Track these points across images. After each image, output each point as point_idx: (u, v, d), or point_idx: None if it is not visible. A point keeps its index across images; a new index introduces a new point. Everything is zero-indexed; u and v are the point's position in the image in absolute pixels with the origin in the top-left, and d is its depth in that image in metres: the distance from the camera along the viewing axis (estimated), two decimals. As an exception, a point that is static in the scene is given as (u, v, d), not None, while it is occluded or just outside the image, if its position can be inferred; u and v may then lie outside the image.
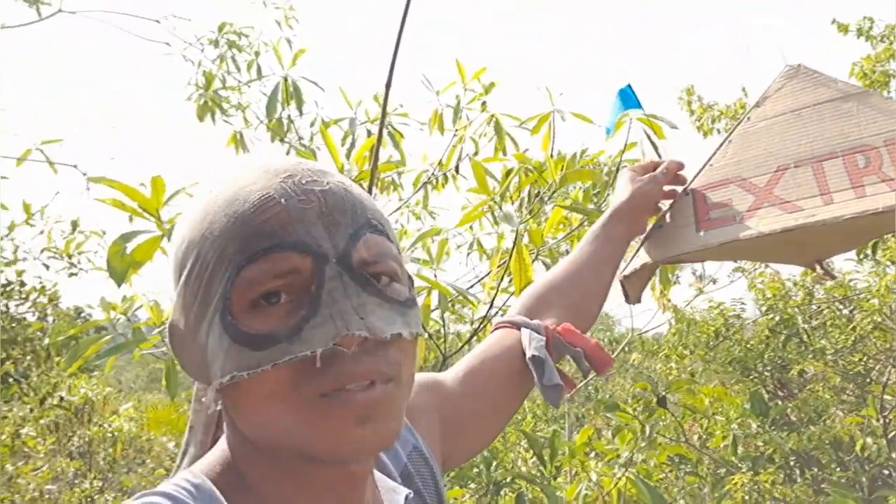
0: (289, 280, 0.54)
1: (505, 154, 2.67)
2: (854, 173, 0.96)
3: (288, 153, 3.52)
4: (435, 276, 2.28)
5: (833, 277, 1.19)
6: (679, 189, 1.10)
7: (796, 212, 0.96)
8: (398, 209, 3.25)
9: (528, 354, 0.86)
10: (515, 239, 1.92)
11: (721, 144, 1.10)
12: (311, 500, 0.59)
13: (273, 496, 0.59)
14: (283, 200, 0.55)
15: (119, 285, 1.52)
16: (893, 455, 2.26)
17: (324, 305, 0.53)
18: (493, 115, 2.72)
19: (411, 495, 0.68)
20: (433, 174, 3.11)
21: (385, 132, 3.22)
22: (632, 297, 1.08)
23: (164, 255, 1.53)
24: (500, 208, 1.94)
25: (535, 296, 0.99)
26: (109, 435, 5.44)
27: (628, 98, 1.34)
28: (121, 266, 1.49)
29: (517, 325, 0.92)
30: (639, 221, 1.09)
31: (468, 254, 3.15)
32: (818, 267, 1.11)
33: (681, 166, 1.12)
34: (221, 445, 0.62)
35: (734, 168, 1.05)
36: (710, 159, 1.10)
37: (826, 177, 0.97)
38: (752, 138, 1.07)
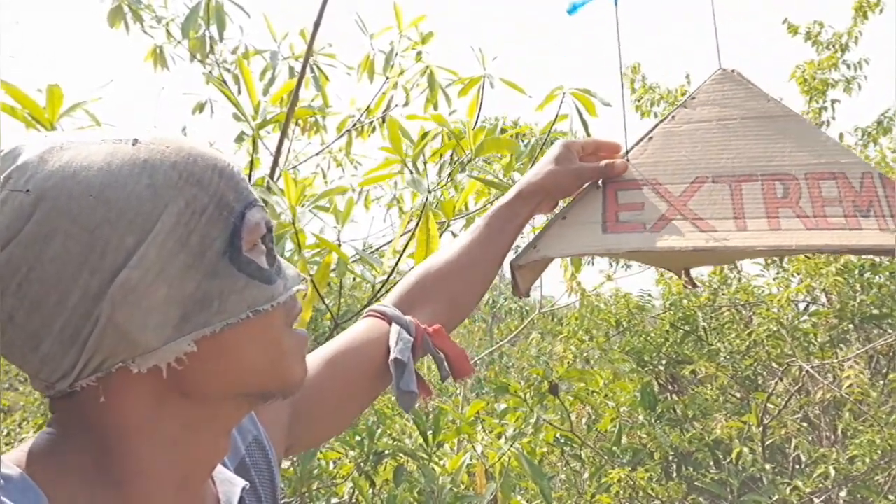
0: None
1: (436, 109, 2.55)
2: (771, 202, 0.93)
3: (209, 75, 3.31)
4: (338, 236, 2.16)
5: (696, 286, 1.21)
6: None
7: (709, 231, 0.92)
8: (319, 153, 3.10)
9: (392, 356, 0.85)
10: (424, 207, 1.82)
11: (641, 140, 1.05)
12: (186, 465, 0.58)
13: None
14: (231, 164, 0.59)
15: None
16: (767, 466, 2.32)
17: (276, 253, 0.60)
18: (427, 67, 2.58)
19: (248, 487, 0.68)
20: (359, 120, 2.95)
21: (309, 72, 3.04)
22: (522, 288, 1.01)
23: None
24: (411, 173, 1.82)
25: (415, 284, 0.96)
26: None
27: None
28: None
29: (389, 319, 0.89)
30: (547, 204, 1.02)
31: (388, 208, 3.04)
32: (684, 275, 1.11)
33: (625, 168, 1.01)
34: (47, 437, 0.56)
35: (651, 169, 1.00)
36: (627, 153, 1.04)
37: (743, 199, 0.94)
38: (674, 140, 1.02)
